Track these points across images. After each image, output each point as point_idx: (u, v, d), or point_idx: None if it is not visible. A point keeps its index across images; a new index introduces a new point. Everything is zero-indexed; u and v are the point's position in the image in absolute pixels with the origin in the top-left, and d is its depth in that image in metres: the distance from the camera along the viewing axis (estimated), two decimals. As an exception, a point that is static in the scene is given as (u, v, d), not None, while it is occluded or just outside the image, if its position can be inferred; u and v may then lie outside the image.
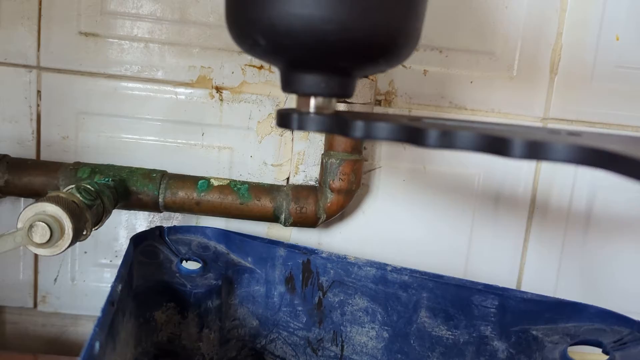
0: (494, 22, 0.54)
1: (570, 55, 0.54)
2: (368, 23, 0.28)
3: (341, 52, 0.29)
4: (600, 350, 0.39)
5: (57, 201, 0.38)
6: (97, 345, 0.29)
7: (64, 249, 0.39)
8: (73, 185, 0.43)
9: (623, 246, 0.57)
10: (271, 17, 0.28)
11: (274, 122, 0.55)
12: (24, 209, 0.38)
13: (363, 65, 0.30)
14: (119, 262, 0.56)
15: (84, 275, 0.58)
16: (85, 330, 0.59)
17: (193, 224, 0.56)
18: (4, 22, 0.53)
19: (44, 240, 0.37)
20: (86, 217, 0.40)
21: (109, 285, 0.56)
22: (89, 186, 0.43)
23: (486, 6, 0.53)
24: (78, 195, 0.41)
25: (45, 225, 0.37)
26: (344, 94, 0.32)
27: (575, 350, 0.41)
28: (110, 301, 0.34)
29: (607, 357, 0.38)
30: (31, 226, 0.37)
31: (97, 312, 0.55)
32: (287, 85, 0.32)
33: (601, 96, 0.55)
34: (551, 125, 0.55)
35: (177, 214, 0.57)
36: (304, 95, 0.31)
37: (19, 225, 0.38)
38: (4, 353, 0.54)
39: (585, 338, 0.40)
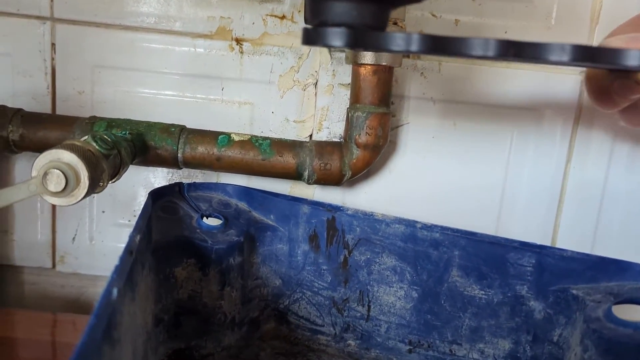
0: (531, -33, 0.50)
1: (612, 3, 0.51)
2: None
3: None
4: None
5: (73, 149, 0.37)
6: (114, 291, 0.27)
7: (80, 198, 0.37)
8: (89, 135, 0.41)
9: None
10: None
11: (296, 75, 0.53)
12: (38, 157, 0.36)
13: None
14: (138, 221, 0.55)
15: (102, 235, 0.56)
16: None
17: (213, 181, 0.54)
18: (16, -29, 0.51)
19: (60, 189, 0.36)
20: (102, 167, 0.39)
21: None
22: (105, 136, 0.41)
23: (523, -51, 0.50)
24: (94, 144, 0.39)
25: (61, 173, 0.35)
26: (377, 25, 0.29)
27: (618, 309, 0.39)
28: (129, 250, 0.32)
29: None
30: (46, 174, 0.36)
31: (118, 257, 0.54)
32: (314, 16, 0.29)
33: (645, 47, 0.51)
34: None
35: (197, 173, 0.55)
36: (333, 26, 0.29)
37: (33, 173, 0.36)
38: (23, 311, 0.53)
39: (630, 296, 0.38)
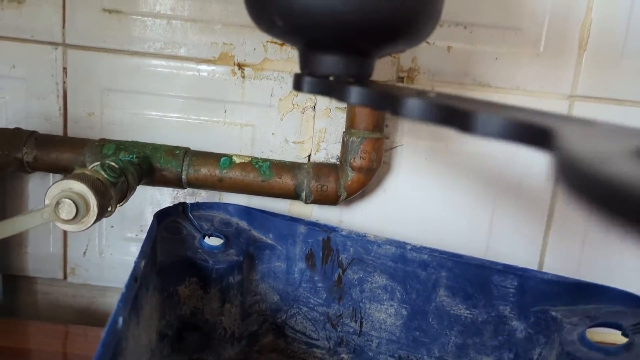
0: (521, -3, 0.52)
1: (600, 31, 0.53)
2: (387, 4, 0.27)
3: (359, 33, 0.28)
4: (619, 332, 0.39)
5: (83, 179, 0.39)
6: (120, 320, 0.30)
7: (89, 225, 0.40)
8: (98, 163, 0.44)
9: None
10: (289, -2, 0.28)
11: (295, 99, 0.55)
12: (50, 186, 0.39)
13: (382, 46, 0.30)
14: (144, 236, 0.57)
15: (112, 249, 0.59)
16: (113, 301, 0.61)
17: (216, 200, 0.57)
18: (30, 0, 0.53)
19: (71, 217, 0.39)
20: (110, 194, 0.41)
21: (135, 257, 0.58)
22: (113, 163, 0.44)
23: (513, -20, 0.52)
24: (103, 173, 0.42)
25: (72, 202, 0.38)
26: (363, 74, 0.31)
27: (594, 331, 0.41)
28: (134, 277, 0.35)
29: (627, 339, 0.38)
30: (58, 203, 0.38)
31: (124, 284, 0.57)
32: (306, 66, 0.32)
33: (632, 74, 0.53)
34: (578, 103, 0.54)
35: (201, 191, 0.58)
36: (323, 76, 0.31)
37: (46, 202, 0.39)
38: (37, 323, 0.56)
39: (605, 320, 0.40)
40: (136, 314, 0.35)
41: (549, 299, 0.43)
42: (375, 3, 0.27)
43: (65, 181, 0.39)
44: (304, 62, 0.32)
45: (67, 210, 0.38)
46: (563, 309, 0.43)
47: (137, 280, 0.35)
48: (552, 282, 0.43)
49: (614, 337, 0.41)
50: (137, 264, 0.37)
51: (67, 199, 0.38)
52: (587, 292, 0.42)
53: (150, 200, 0.58)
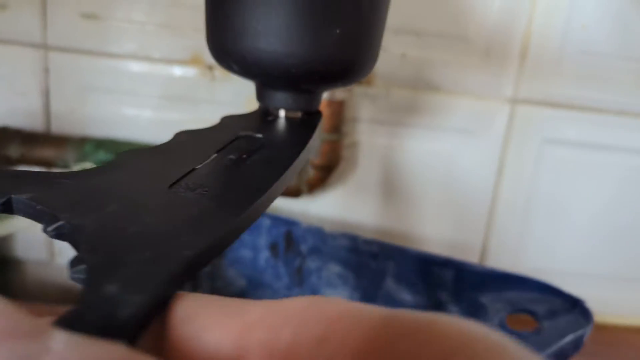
0: (469, 7, 0.57)
1: (540, 40, 0.58)
2: (326, 57, 0.32)
3: (303, 79, 0.33)
4: (533, 320, 0.46)
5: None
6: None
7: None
8: (80, 165, 0.48)
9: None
10: (242, 50, 0.32)
11: (262, 99, 0.60)
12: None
13: (324, 88, 0.35)
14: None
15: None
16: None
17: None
18: (12, 4, 0.57)
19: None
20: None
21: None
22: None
23: (463, -7, 0.57)
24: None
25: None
26: (310, 108, 0.36)
27: (512, 319, 0.48)
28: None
29: (537, 324, 0.45)
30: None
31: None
32: (260, 99, 0.37)
33: (568, 80, 0.59)
34: (519, 107, 0.59)
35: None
36: (275, 109, 0.36)
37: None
38: (26, 304, 0.62)
39: (523, 307, 0.47)
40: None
41: (479, 287, 0.50)
42: (315, 56, 0.32)
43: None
44: (259, 95, 0.36)
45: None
46: (490, 296, 0.49)
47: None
48: (483, 273, 0.49)
49: (529, 324, 0.47)
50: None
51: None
52: (511, 281, 0.49)
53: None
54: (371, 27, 0.33)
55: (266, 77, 0.33)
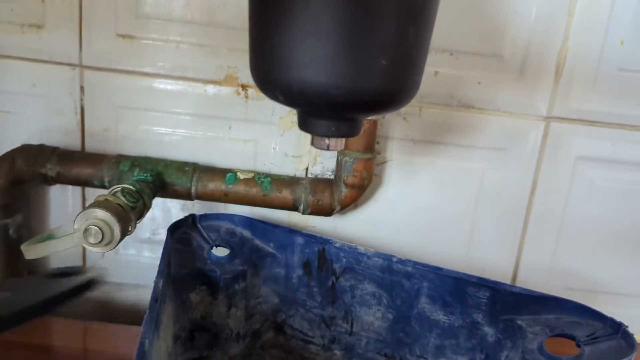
0: (503, 26, 0.57)
1: (575, 58, 0.57)
2: (372, 87, 0.32)
3: (347, 109, 0.33)
4: (574, 344, 0.45)
5: (106, 207, 0.45)
6: (146, 342, 0.36)
7: (114, 246, 0.45)
8: (119, 188, 0.49)
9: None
10: (288, 80, 0.33)
11: (294, 117, 0.60)
12: (78, 214, 0.44)
13: (366, 116, 0.35)
14: (157, 238, 0.64)
15: (127, 250, 0.65)
16: (127, 295, 0.67)
17: (222, 208, 0.63)
18: (49, 25, 0.58)
19: (97, 241, 0.44)
20: (130, 218, 0.47)
21: (147, 256, 0.64)
22: (131, 187, 0.50)
23: (496, 11, 0.56)
24: (123, 199, 0.47)
25: (98, 229, 0.44)
26: (351, 134, 0.37)
27: (551, 341, 0.47)
28: (155, 298, 0.41)
29: (579, 350, 0.44)
30: (86, 229, 0.44)
31: (137, 280, 0.63)
32: (304, 126, 0.37)
33: (603, 97, 0.58)
34: (554, 124, 0.59)
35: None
36: (318, 136, 0.36)
37: (75, 226, 0.44)
38: (56, 319, 0.62)
39: (562, 331, 0.46)
40: (157, 329, 0.41)
41: (515, 308, 0.49)
42: (360, 87, 0.32)
43: (91, 210, 0.44)
44: (303, 123, 0.37)
45: (95, 236, 0.44)
46: (527, 318, 0.49)
47: (158, 300, 0.41)
48: (519, 294, 0.49)
49: (570, 349, 0.47)
50: (156, 284, 0.42)
51: (93, 227, 0.44)
52: (549, 303, 0.48)
53: (162, 207, 0.63)
54: (416, 57, 0.33)
55: (310, 106, 0.34)
